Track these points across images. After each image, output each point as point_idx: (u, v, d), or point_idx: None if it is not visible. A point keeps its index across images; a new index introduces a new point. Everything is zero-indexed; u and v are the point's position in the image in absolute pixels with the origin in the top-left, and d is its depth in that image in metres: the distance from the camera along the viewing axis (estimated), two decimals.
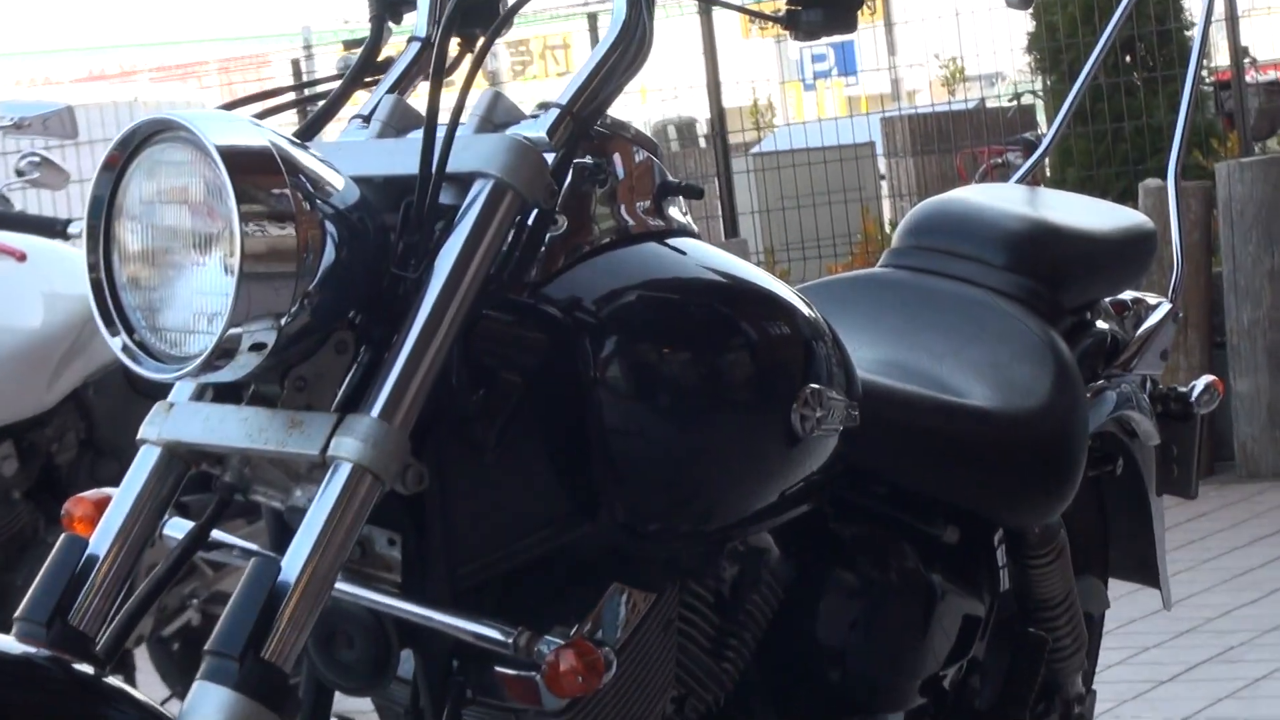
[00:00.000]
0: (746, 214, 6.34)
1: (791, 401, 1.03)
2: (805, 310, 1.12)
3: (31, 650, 0.89)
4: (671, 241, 1.11)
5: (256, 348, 0.89)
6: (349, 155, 1.05)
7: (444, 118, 0.95)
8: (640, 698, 1.04)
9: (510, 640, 0.94)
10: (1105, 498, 1.58)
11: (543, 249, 1.00)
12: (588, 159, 1.03)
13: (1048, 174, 5.22)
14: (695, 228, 1.18)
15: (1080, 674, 1.48)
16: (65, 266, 2.47)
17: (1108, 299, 1.59)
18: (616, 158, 1.09)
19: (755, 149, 7.19)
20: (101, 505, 1.04)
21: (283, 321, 0.88)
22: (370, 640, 1.01)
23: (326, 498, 0.91)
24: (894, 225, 5.10)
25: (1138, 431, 1.53)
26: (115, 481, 1.02)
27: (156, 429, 1.01)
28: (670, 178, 1.15)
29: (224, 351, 0.88)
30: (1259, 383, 4.63)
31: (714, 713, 1.12)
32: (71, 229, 2.60)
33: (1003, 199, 1.63)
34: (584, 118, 1.01)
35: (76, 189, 3.54)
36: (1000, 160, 6.30)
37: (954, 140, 6.18)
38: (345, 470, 0.90)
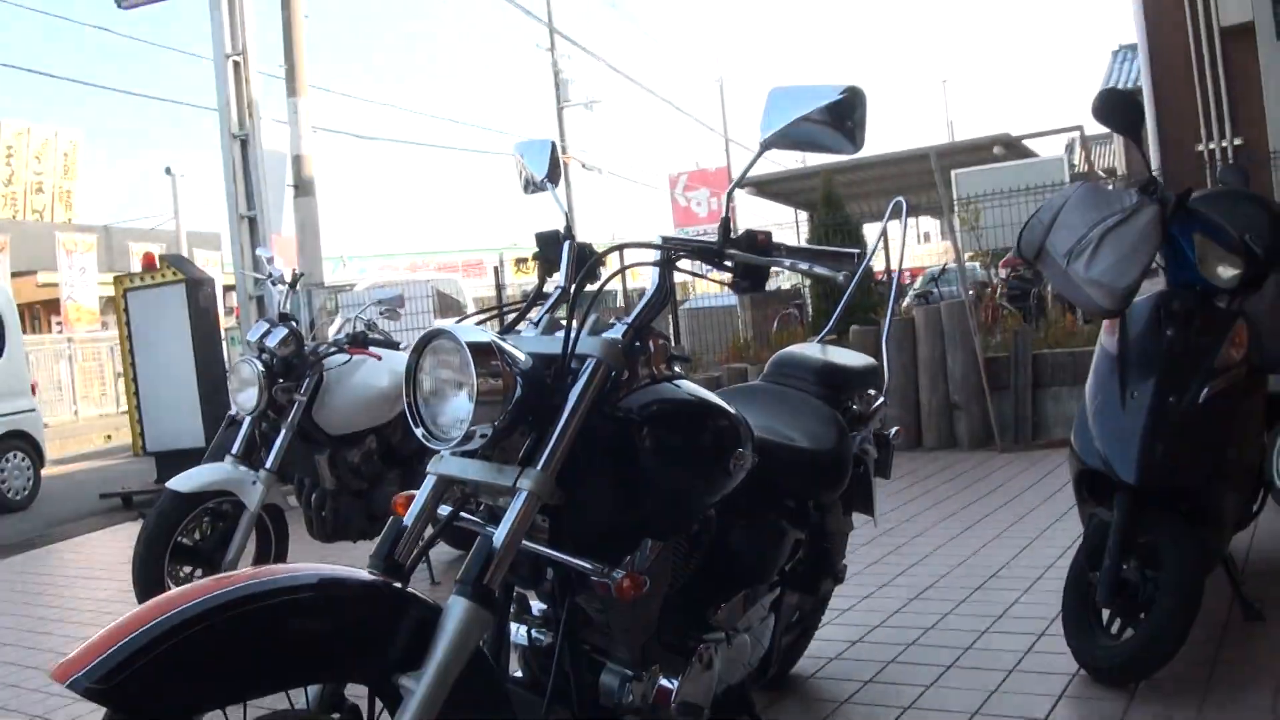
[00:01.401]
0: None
1: (729, 457, 2.07)
2: (733, 410, 2.13)
3: (371, 577, 1.74)
4: (676, 381, 2.07)
5: (484, 435, 1.79)
6: (527, 342, 1.96)
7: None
8: (655, 591, 2.02)
9: (601, 569, 1.89)
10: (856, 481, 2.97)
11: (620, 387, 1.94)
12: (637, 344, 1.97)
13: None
14: (683, 372, 2.15)
15: (841, 559, 2.99)
16: (399, 361, 4.57)
17: (859, 394, 3.08)
18: (652, 343, 2.00)
19: (685, 306, 13.29)
20: (408, 500, 1.95)
21: (495, 424, 1.78)
22: (533, 566, 2.01)
23: (514, 506, 1.79)
24: (746, 340, 10.34)
25: (867, 453, 3.02)
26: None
27: (434, 466, 1.93)
28: (674, 351, 2.09)
29: (467, 437, 1.78)
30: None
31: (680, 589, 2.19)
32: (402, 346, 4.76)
33: (813, 351, 3.16)
34: (638, 329, 1.96)
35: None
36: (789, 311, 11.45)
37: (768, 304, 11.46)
38: (523, 495, 1.79)
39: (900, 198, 3.21)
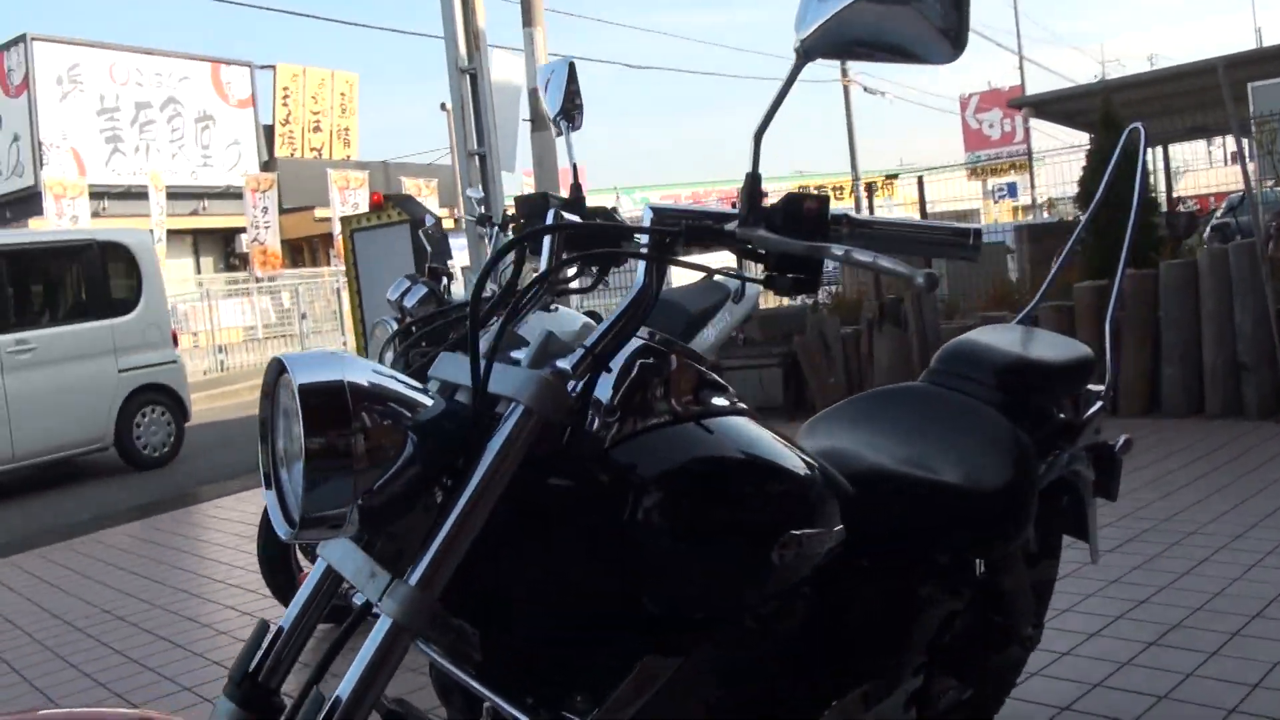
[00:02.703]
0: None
1: (773, 544, 1.37)
2: (797, 471, 1.45)
3: None
4: (707, 422, 1.41)
5: (353, 521, 1.17)
6: (455, 366, 1.44)
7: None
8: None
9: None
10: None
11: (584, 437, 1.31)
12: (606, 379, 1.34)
13: None
14: (742, 405, 1.49)
15: (1030, 624, 2.19)
16: (561, 321, 3.79)
17: (1066, 397, 2.32)
18: (672, 365, 1.42)
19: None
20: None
21: (358, 503, 1.16)
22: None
23: (372, 640, 1.19)
24: (1015, 283, 8.81)
25: (1079, 473, 2.32)
26: None
27: (323, 550, 1.38)
28: (711, 376, 1.46)
29: (316, 522, 1.16)
30: None
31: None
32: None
33: (1000, 339, 2.30)
34: (600, 356, 1.31)
35: None
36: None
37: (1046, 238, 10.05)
38: (386, 623, 1.19)
39: (1137, 124, 2.45)
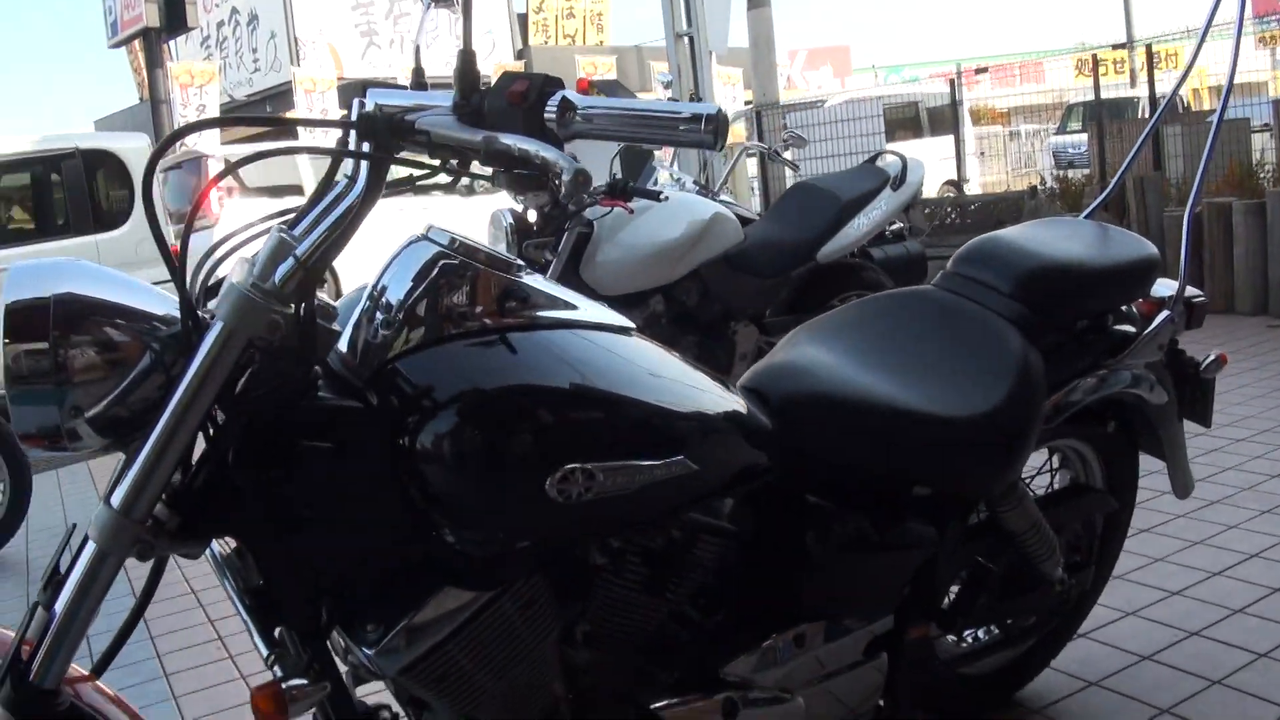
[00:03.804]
0: None
1: (547, 477, 1.23)
2: (619, 394, 1.32)
3: None
4: (511, 338, 1.28)
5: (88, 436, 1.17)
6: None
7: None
8: (502, 657, 1.32)
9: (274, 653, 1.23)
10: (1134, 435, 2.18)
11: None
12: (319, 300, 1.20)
13: None
14: (586, 319, 1.38)
15: (1058, 566, 1.97)
16: (681, 206, 4.26)
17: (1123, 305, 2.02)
18: (473, 271, 1.29)
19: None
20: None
21: (85, 416, 1.15)
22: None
23: (79, 563, 1.16)
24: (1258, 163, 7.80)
25: (1144, 394, 2.03)
26: None
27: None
28: (529, 286, 1.33)
29: (69, 434, 1.16)
30: None
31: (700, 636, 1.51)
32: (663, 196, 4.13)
33: (1037, 239, 1.94)
34: (312, 267, 1.18)
35: None
36: None
37: None
38: (89, 550, 1.16)
39: None
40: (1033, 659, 2.27)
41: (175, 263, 1.19)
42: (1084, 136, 11.59)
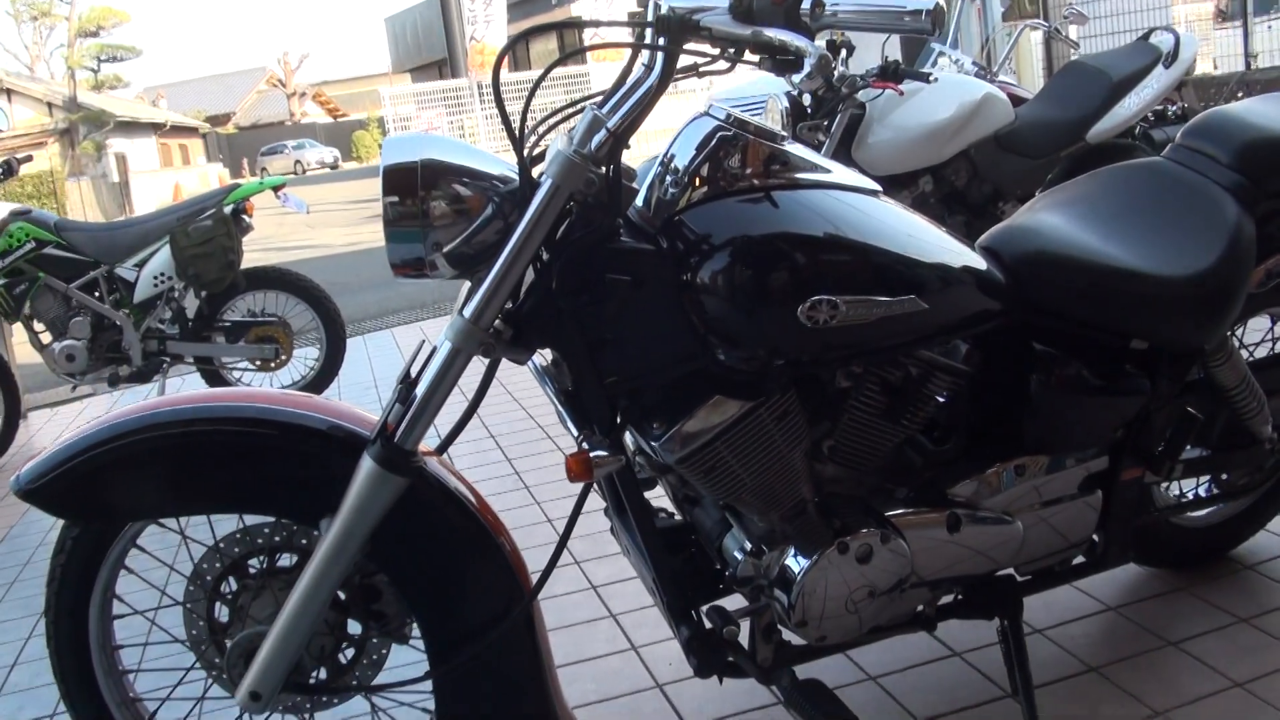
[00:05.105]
0: None
1: (798, 305, 1.51)
2: (862, 241, 1.57)
3: (335, 423, 1.60)
4: (776, 196, 1.56)
5: (443, 266, 1.55)
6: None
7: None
8: (760, 458, 1.61)
9: (583, 434, 1.56)
10: None
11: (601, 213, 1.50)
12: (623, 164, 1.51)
13: None
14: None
15: (1268, 424, 2.11)
16: (951, 87, 4.37)
17: None
18: (743, 141, 1.56)
19: None
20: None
21: (443, 251, 1.53)
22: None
23: (436, 356, 1.52)
24: None
25: None
26: None
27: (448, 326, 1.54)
28: (794, 153, 1.59)
29: (430, 265, 1.54)
30: None
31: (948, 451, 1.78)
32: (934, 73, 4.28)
33: (1263, 113, 2.02)
34: (619, 135, 1.48)
35: None
36: None
37: None
38: (446, 347, 1.51)
39: None
40: (1248, 519, 2.41)
41: (514, 136, 1.51)
42: None
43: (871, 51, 4.56)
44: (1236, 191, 1.91)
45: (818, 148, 4.13)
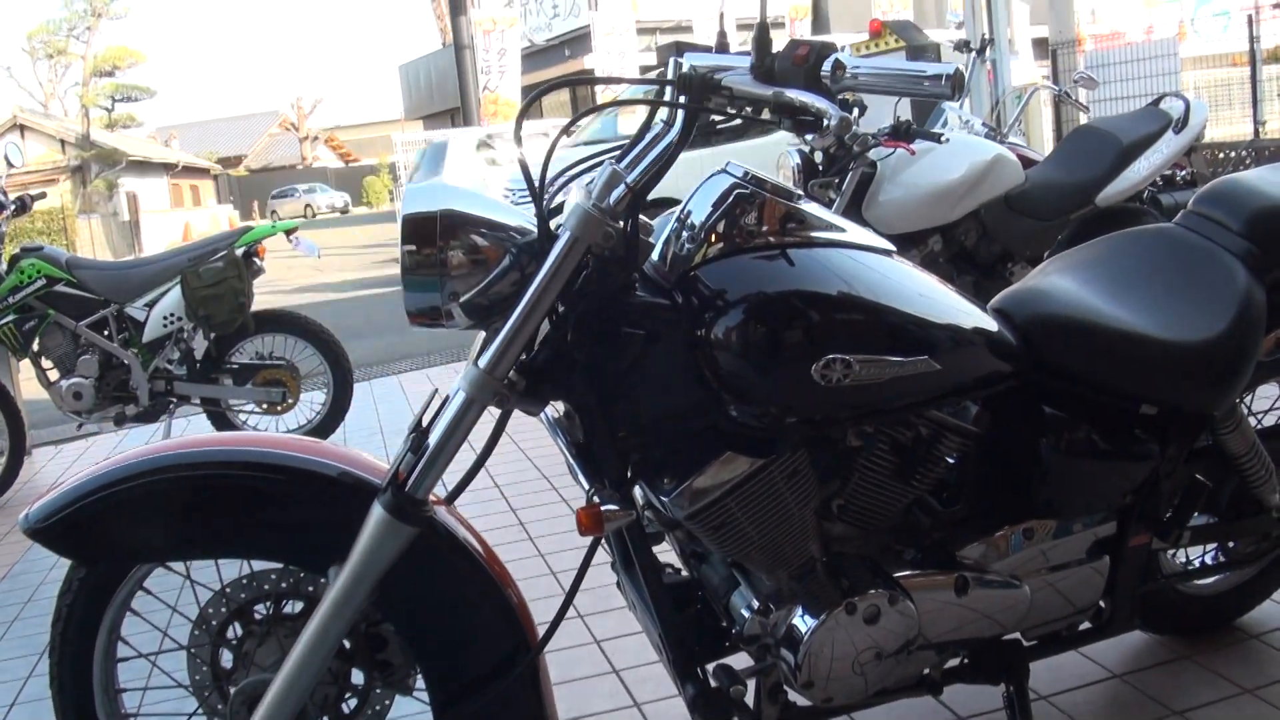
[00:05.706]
0: None
1: (812, 363, 1.51)
2: (873, 300, 1.57)
3: (345, 470, 1.61)
4: (791, 253, 1.56)
5: (458, 316, 1.54)
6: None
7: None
8: (769, 515, 1.61)
9: (594, 489, 1.56)
10: None
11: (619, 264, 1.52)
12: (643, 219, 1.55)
13: None
14: (858, 241, 1.63)
15: (1275, 493, 2.11)
16: (962, 148, 4.44)
17: None
18: (760, 199, 1.58)
19: None
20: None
21: (458, 302, 1.52)
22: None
23: (449, 407, 1.52)
24: None
25: None
26: None
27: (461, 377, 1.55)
28: (809, 212, 1.60)
29: (446, 314, 1.54)
30: None
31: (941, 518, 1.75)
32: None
33: (1276, 182, 2.02)
34: (638, 191, 1.50)
35: None
36: None
37: None
38: (460, 397, 1.51)
39: None
40: (1255, 587, 2.40)
41: (534, 188, 1.53)
42: None
43: (883, 110, 4.60)
44: (1247, 259, 1.92)
45: (829, 205, 4.16)
